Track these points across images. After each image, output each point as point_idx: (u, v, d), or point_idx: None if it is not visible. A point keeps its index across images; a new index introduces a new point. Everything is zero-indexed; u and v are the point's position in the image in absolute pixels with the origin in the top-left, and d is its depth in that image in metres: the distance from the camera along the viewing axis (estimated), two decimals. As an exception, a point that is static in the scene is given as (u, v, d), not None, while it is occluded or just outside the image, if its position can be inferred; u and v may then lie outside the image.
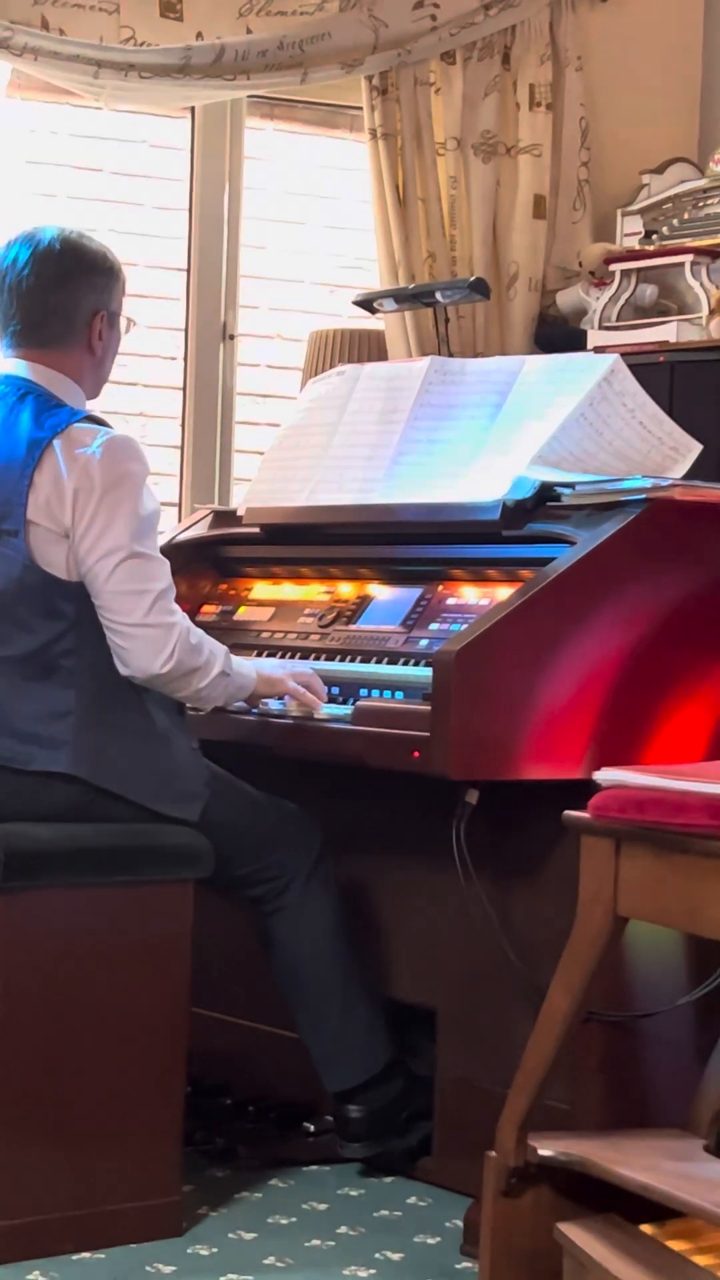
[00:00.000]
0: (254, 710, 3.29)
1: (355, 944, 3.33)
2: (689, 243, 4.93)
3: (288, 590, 3.64)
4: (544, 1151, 2.75)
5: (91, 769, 3.02)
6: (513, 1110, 2.77)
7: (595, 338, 4.89)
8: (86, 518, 3.00)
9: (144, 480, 3.06)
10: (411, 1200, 3.26)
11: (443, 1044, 3.30)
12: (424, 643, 3.26)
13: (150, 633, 3.01)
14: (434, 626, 3.30)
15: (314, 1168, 3.39)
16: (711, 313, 4.66)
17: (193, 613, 3.73)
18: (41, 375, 3.13)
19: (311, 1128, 3.45)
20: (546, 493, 3.22)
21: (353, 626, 3.42)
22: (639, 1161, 2.69)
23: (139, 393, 5.03)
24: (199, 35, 4.81)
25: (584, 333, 4.96)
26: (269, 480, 3.74)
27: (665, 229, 5.09)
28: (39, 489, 3.01)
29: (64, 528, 3.01)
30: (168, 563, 3.08)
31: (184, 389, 5.10)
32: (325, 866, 3.30)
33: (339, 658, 3.35)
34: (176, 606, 3.07)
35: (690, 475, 3.39)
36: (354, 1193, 3.30)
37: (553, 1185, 2.79)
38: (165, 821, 3.08)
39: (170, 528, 4.05)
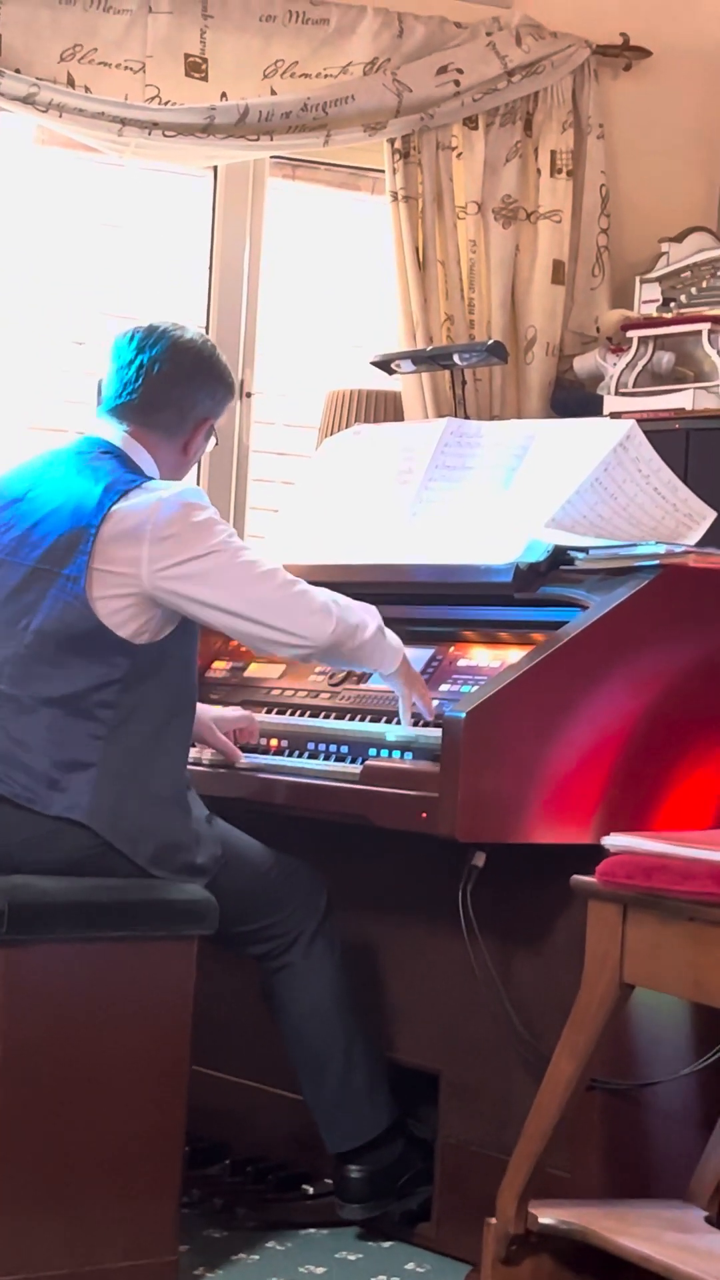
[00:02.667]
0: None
1: (358, 1004, 3.31)
2: (707, 311, 4.95)
3: (299, 648, 3.63)
4: (544, 1219, 2.74)
5: (107, 823, 3.02)
6: (514, 1177, 2.76)
7: (611, 403, 4.90)
8: (174, 550, 3.01)
9: (215, 513, 3.11)
10: (410, 1266, 3.23)
11: (444, 1108, 3.28)
12: (434, 704, 3.26)
13: (301, 600, 3.06)
14: (445, 687, 3.29)
15: (312, 1230, 3.36)
16: (728, 381, 4.67)
17: (203, 669, 3.73)
18: (129, 446, 3.18)
19: (310, 1190, 3.42)
20: (560, 556, 3.22)
21: (363, 685, 3.41)
22: (640, 1232, 2.68)
23: (155, 448, 5.04)
24: (223, 95, 4.85)
25: (600, 398, 4.98)
26: (283, 537, 3.74)
27: (683, 297, 5.11)
28: (109, 542, 3.02)
29: (140, 583, 3.01)
30: (251, 546, 3.12)
31: (200, 445, 5.11)
32: (331, 925, 3.29)
33: (349, 716, 3.35)
34: (288, 574, 3.10)
35: (704, 542, 3.39)
36: (351, 1257, 3.27)
37: (553, 1254, 2.77)
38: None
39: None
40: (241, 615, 3.06)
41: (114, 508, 3.04)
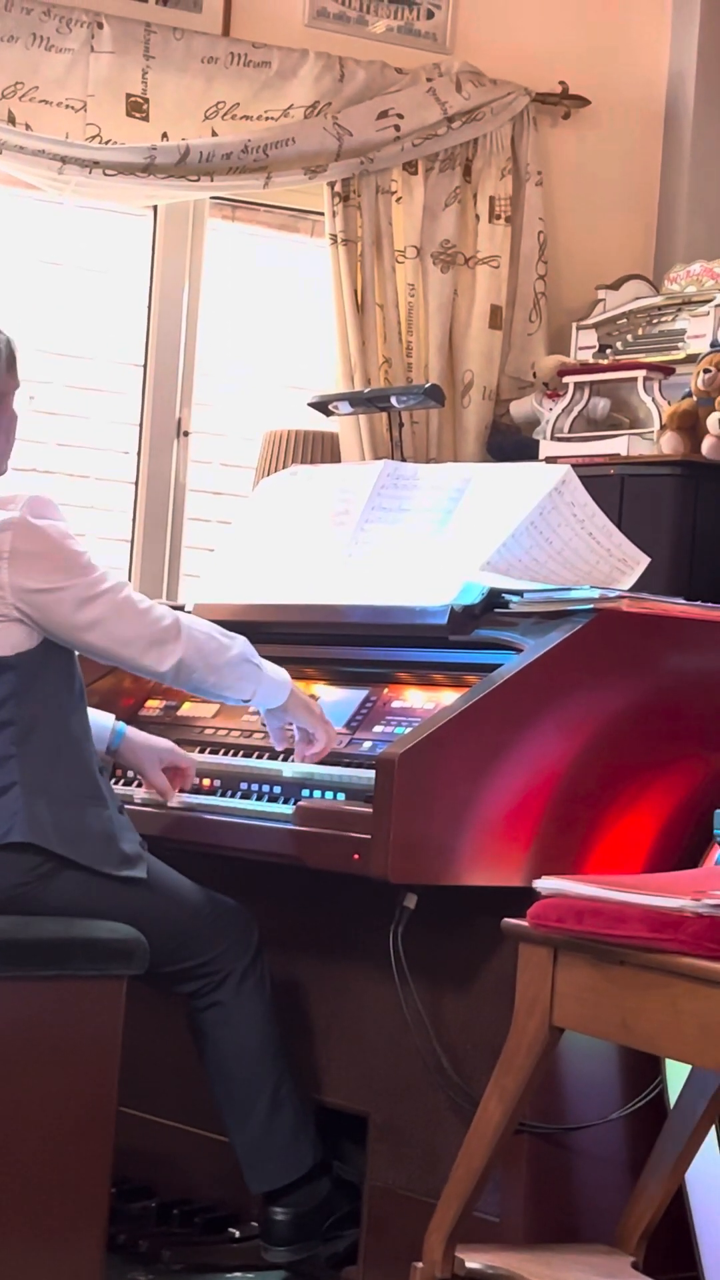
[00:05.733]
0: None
1: (287, 1045, 3.30)
2: (642, 358, 4.99)
3: (233, 688, 3.63)
4: (471, 1264, 2.72)
5: (47, 835, 3.01)
6: (441, 1220, 2.75)
7: (547, 448, 4.93)
8: (33, 574, 3.03)
9: (67, 528, 3.13)
10: (335, 1310, 3.22)
11: (372, 1150, 3.27)
12: (368, 745, 3.26)
13: (142, 629, 3.08)
14: (378, 729, 3.29)
15: (238, 1274, 3.34)
16: (663, 428, 4.71)
17: (137, 706, 3.71)
18: None
19: (237, 1233, 3.40)
20: (494, 599, 3.23)
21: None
22: (566, 1276, 2.67)
23: (91, 485, 5.04)
24: (164, 135, 4.86)
25: (536, 443, 5.00)
26: (218, 577, 3.74)
27: (619, 344, 5.15)
28: None
29: (7, 602, 3.03)
30: (105, 569, 3.13)
31: (136, 483, 5.11)
32: (261, 964, 3.28)
33: (282, 756, 3.34)
34: (144, 599, 3.12)
35: (637, 588, 3.41)
36: (277, 1301, 3.25)
37: (479, 1298, 2.76)
38: (115, 882, 3.06)
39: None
40: (103, 650, 3.09)
41: None
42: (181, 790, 3.35)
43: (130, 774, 3.44)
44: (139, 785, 3.39)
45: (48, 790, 3.04)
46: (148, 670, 3.13)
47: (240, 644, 3.17)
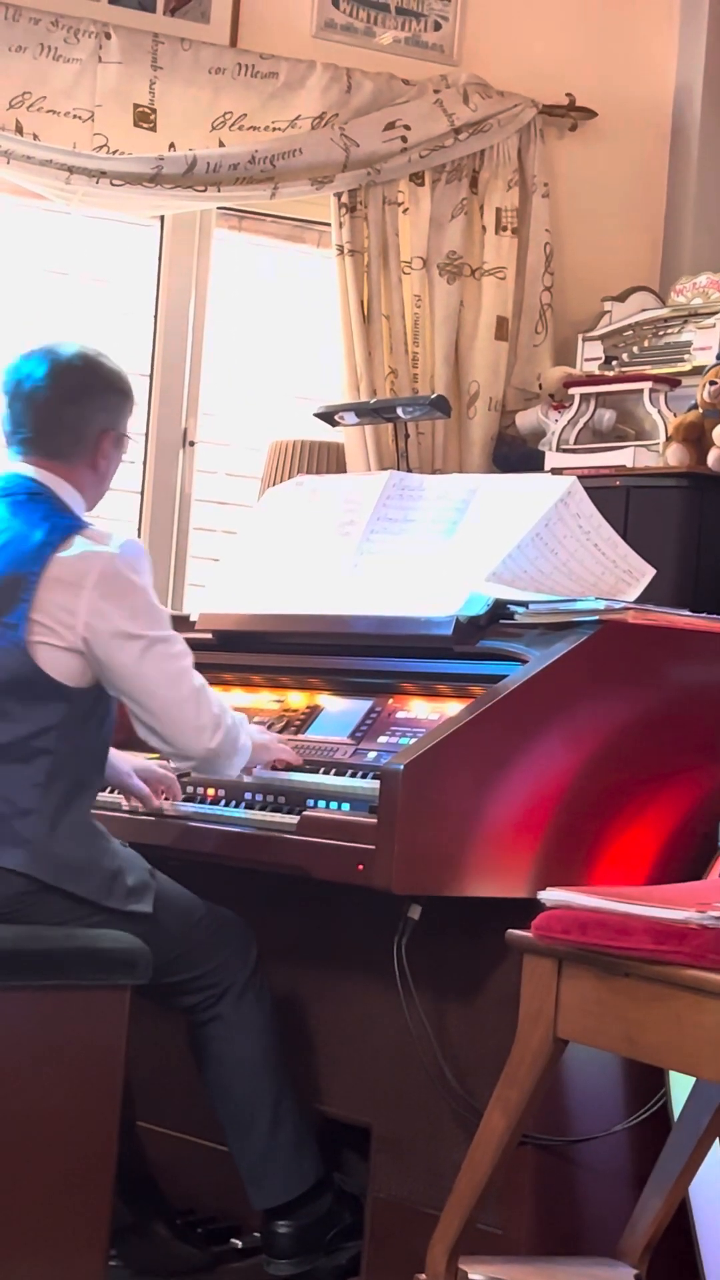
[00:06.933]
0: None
1: (289, 1056, 3.29)
2: (648, 370, 4.99)
3: (238, 697, 3.63)
4: (474, 1276, 2.72)
5: (49, 868, 3.01)
6: (444, 1232, 2.74)
7: (553, 460, 4.93)
8: (110, 612, 3.02)
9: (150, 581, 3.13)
10: (338, 1322, 3.21)
11: (375, 1162, 3.26)
12: (372, 755, 3.25)
13: (192, 711, 3.07)
14: (383, 739, 3.29)
15: (240, 1285, 3.34)
16: (668, 440, 4.71)
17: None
18: (51, 482, 3.16)
19: (240, 1244, 3.39)
20: (500, 610, 3.23)
21: (301, 736, 3.41)
22: (570, 1289, 2.67)
23: (97, 495, 5.03)
24: (171, 146, 4.87)
25: (542, 454, 5.01)
26: (224, 587, 3.74)
27: (625, 355, 5.15)
28: (49, 589, 3.02)
29: (76, 632, 3.02)
30: (180, 637, 3.13)
31: (142, 493, 5.12)
32: (261, 977, 3.27)
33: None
34: (200, 677, 3.12)
35: (643, 599, 3.41)
36: (280, 1312, 3.24)
37: (482, 1311, 2.76)
38: (118, 916, 3.06)
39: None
40: (142, 702, 3.07)
41: (54, 555, 3.04)
42: (173, 800, 3.35)
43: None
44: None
45: (61, 824, 3.03)
46: (180, 746, 3.09)
47: (242, 726, 3.17)
